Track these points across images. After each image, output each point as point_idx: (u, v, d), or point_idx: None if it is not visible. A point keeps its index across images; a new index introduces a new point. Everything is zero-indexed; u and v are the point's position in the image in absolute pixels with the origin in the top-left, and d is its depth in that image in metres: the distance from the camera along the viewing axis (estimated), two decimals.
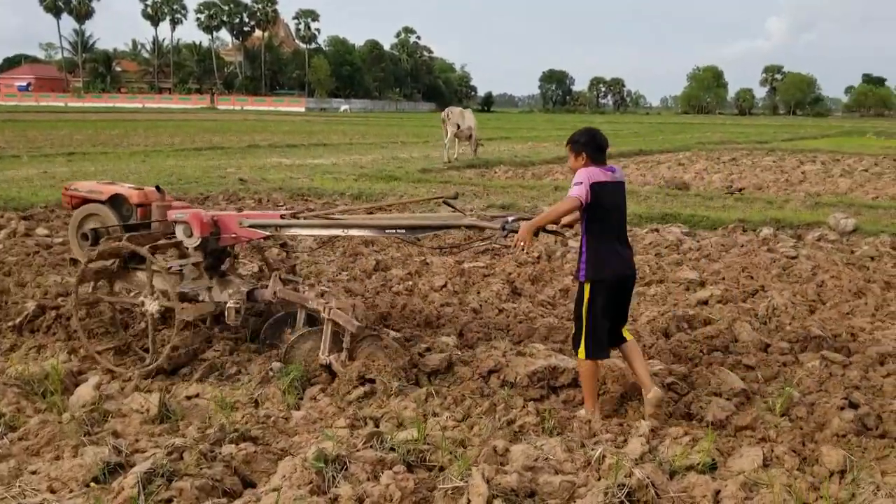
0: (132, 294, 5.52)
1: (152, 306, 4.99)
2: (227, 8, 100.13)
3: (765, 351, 5.43)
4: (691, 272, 7.56)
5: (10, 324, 5.68)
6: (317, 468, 3.33)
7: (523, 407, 4.25)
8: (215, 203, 12.33)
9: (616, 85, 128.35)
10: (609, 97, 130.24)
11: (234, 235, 5.29)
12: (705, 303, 6.68)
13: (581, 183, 4.09)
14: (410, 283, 7.13)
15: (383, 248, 8.79)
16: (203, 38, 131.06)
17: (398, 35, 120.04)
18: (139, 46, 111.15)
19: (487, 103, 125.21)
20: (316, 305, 4.94)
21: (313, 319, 5.10)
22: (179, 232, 5.22)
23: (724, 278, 7.54)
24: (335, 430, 3.93)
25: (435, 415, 4.25)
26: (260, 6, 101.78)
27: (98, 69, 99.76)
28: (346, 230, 5.18)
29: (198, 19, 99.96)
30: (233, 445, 3.65)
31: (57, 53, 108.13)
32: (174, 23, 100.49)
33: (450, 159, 19.84)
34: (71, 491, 3.30)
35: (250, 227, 5.25)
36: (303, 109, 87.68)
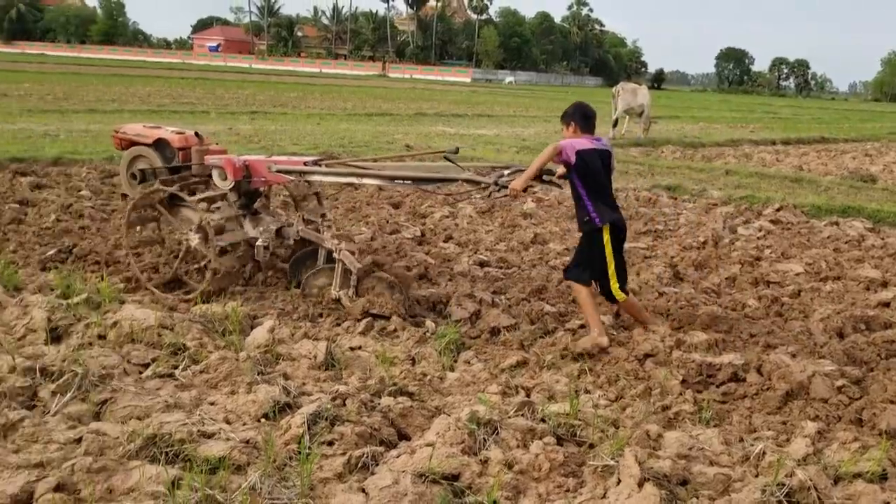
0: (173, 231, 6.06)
1: (193, 239, 5.62)
2: None
3: None
4: (873, 271, 7.01)
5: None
6: (469, 429, 3.41)
7: (680, 394, 4.14)
8: None
9: (800, 67, 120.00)
10: (791, 79, 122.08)
11: (263, 179, 5.84)
12: (887, 305, 6.19)
13: (573, 148, 4.65)
14: (568, 258, 7.06)
15: (541, 222, 8.76)
16: (379, 7, 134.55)
17: (570, 7, 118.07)
18: (320, 13, 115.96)
19: (658, 80, 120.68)
20: (330, 245, 5.49)
21: (333, 259, 5.53)
22: (215, 175, 5.82)
23: None
24: (488, 395, 3.99)
25: (587, 392, 4.23)
26: None
27: (281, 33, 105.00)
28: (360, 178, 5.72)
29: None
30: (391, 398, 3.80)
31: (245, 17, 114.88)
32: None
33: (615, 136, 19.37)
34: (244, 424, 3.56)
35: (278, 171, 5.74)
36: (469, 80, 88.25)
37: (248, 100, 28.71)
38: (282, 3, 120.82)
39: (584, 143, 4.72)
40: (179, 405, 3.73)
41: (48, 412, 3.63)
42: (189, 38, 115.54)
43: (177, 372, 4.12)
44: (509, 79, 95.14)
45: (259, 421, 3.64)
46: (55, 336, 4.64)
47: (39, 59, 64.35)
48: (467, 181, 5.23)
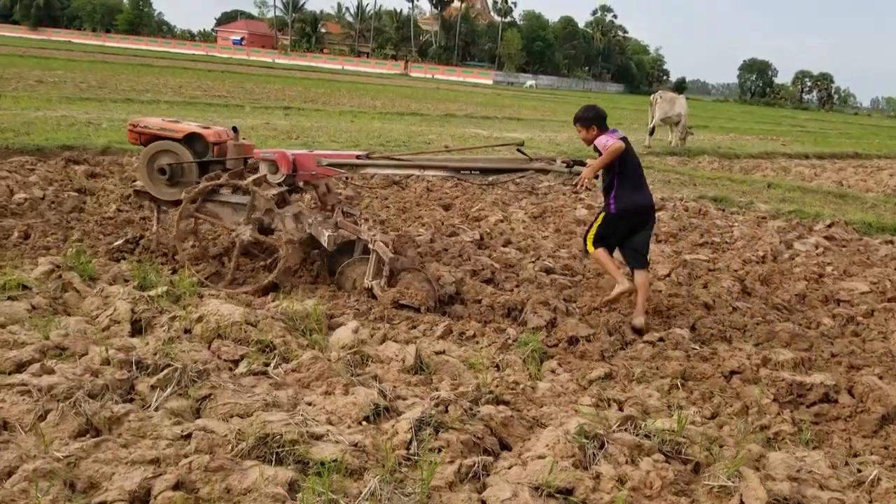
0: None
1: (246, 234, 5.69)
2: None
3: None
4: None
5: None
6: (580, 443, 3.36)
7: (778, 413, 4.08)
8: None
9: (823, 80, 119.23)
10: (814, 93, 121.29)
11: (312, 173, 5.88)
12: None
13: (611, 139, 5.22)
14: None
15: None
16: (403, 6, 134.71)
17: (594, 13, 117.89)
18: (343, 10, 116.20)
19: (680, 88, 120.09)
20: (366, 237, 5.66)
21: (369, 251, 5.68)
22: (264, 168, 5.77)
23: None
24: (584, 408, 3.95)
25: (680, 407, 4.17)
26: None
27: (305, 29, 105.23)
28: (422, 170, 5.84)
29: None
30: (491, 406, 3.76)
31: (269, 11, 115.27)
32: None
33: (650, 144, 19.27)
34: (348, 427, 3.53)
35: (328, 165, 5.80)
36: (490, 82, 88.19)
37: (277, 94, 28.74)
38: None
39: (616, 135, 5.35)
40: (277, 404, 3.70)
41: (147, 406, 3.61)
42: (213, 30, 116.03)
43: (270, 370, 4.09)
44: (530, 82, 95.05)
45: (361, 424, 3.61)
46: (138, 328, 4.63)
47: (66, 46, 64.78)
48: (539, 170, 5.60)
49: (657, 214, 9.95)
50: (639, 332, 5.30)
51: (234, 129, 6.31)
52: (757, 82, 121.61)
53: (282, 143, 13.73)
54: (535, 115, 32.04)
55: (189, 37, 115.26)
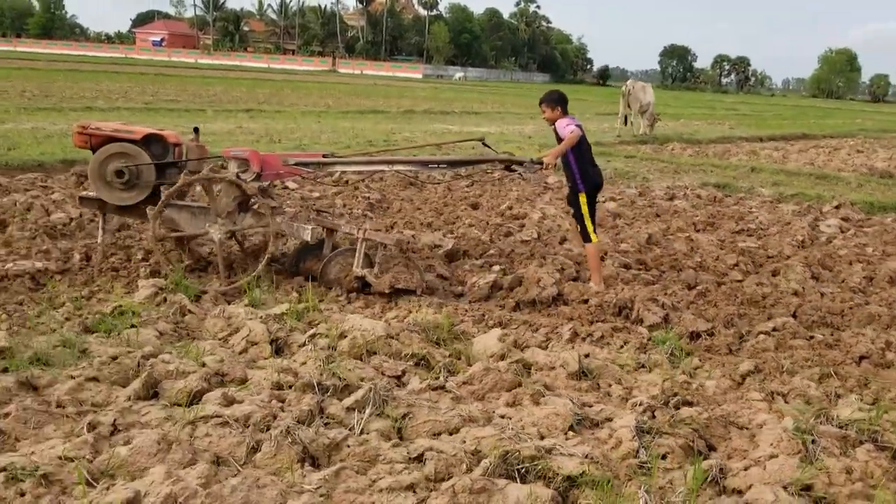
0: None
1: (217, 233, 5.69)
2: None
3: None
4: None
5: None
6: (802, 439, 3.42)
7: None
8: None
9: (741, 64, 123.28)
10: (732, 76, 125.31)
11: (276, 173, 5.91)
12: None
13: (572, 125, 5.78)
14: (689, 260, 7.11)
15: (632, 221, 8.79)
16: (327, 2, 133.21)
17: (518, 3, 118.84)
18: (266, 7, 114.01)
19: (603, 77, 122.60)
20: (349, 229, 5.78)
21: (335, 248, 5.90)
22: (233, 167, 5.75)
23: None
24: (784, 406, 4.01)
25: (838, 396, 4.27)
26: None
27: (228, 28, 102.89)
28: (391, 166, 6.04)
29: None
30: (688, 408, 3.79)
31: (187, 11, 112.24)
32: None
33: (621, 133, 19.61)
34: (566, 438, 3.49)
35: (296, 164, 5.84)
36: (420, 76, 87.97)
37: (223, 96, 28.02)
38: None
39: (575, 120, 5.91)
40: (473, 419, 3.65)
41: (351, 429, 3.49)
42: (131, 31, 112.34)
43: (447, 384, 4.01)
44: (459, 74, 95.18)
45: (566, 434, 3.58)
46: (276, 348, 4.49)
47: None
48: (503, 161, 6.09)
49: (678, 202, 10.18)
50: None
51: (196, 130, 6.17)
52: (678, 67, 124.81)
53: (269, 146, 13.44)
54: (488, 109, 32.16)
55: (106, 39, 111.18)
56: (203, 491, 2.77)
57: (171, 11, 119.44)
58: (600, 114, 33.83)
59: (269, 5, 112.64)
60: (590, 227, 5.98)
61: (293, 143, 14.02)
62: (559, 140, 5.86)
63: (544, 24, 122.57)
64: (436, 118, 24.54)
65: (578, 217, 6.02)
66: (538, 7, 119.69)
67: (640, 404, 3.73)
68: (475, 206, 9.39)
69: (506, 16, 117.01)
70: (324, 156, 6.16)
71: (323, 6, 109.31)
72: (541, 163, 5.82)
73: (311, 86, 42.49)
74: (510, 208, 9.16)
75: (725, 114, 40.32)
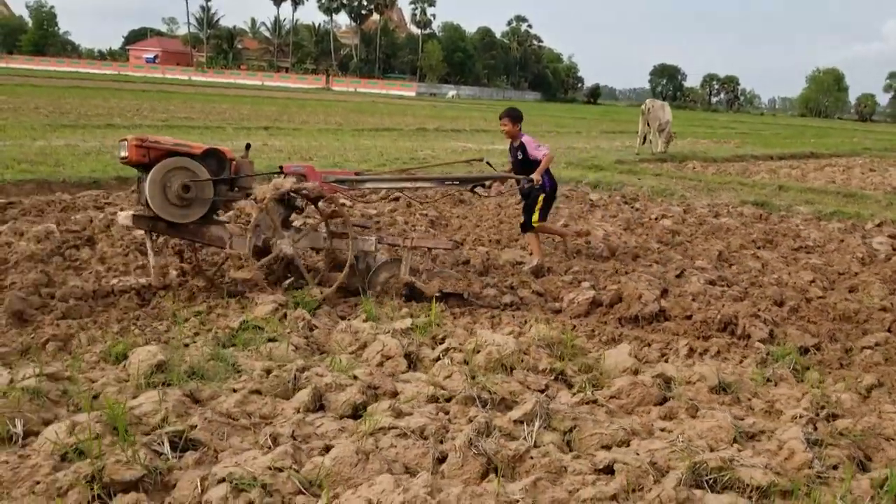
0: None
1: (288, 248, 5.76)
2: None
3: None
4: None
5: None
6: None
7: None
8: None
9: (730, 83, 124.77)
10: (722, 95, 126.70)
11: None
12: None
13: (541, 146, 7.11)
14: (762, 277, 7.22)
15: (692, 239, 8.90)
16: (319, 20, 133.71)
17: (509, 23, 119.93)
18: (258, 25, 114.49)
19: (594, 95, 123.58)
20: (394, 240, 6.12)
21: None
22: (288, 183, 5.74)
23: None
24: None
25: None
26: None
27: (221, 45, 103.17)
28: (414, 183, 6.67)
29: (319, 1, 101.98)
30: (844, 420, 3.88)
31: (179, 28, 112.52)
32: (295, 3, 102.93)
33: (639, 151, 19.83)
34: (738, 450, 3.57)
35: (333, 181, 6.09)
36: (413, 94, 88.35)
37: (232, 114, 28.07)
38: (222, 14, 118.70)
39: (535, 140, 7.17)
40: (635, 432, 3.72)
41: (518, 439, 3.56)
42: (125, 49, 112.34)
43: (600, 398, 4.09)
44: (452, 93, 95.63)
45: (731, 446, 3.66)
46: (409, 362, 4.56)
47: None
48: (503, 178, 7.11)
49: (724, 220, 10.33)
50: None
51: (247, 147, 6.21)
52: (668, 87, 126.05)
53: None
54: (493, 126, 32.34)
55: (99, 56, 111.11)
56: (433, 500, 2.83)
57: (164, 29, 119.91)
58: (605, 132, 34.25)
59: (263, 23, 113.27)
60: (535, 218, 7.14)
61: (328, 161, 14.12)
62: (519, 153, 7.09)
63: (535, 42, 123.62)
64: (449, 136, 24.73)
65: (529, 208, 7.20)
66: (530, 26, 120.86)
67: (801, 416, 3.81)
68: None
69: (498, 35, 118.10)
70: (356, 174, 6.49)
71: (316, 24, 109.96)
72: (531, 181, 6.79)
73: (313, 104, 42.63)
74: (566, 226, 9.27)
75: (724, 132, 40.76)
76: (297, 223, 6.67)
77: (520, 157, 7.12)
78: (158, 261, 5.91)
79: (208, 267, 6.36)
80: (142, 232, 7.10)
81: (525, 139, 7.04)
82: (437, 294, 5.73)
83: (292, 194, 5.75)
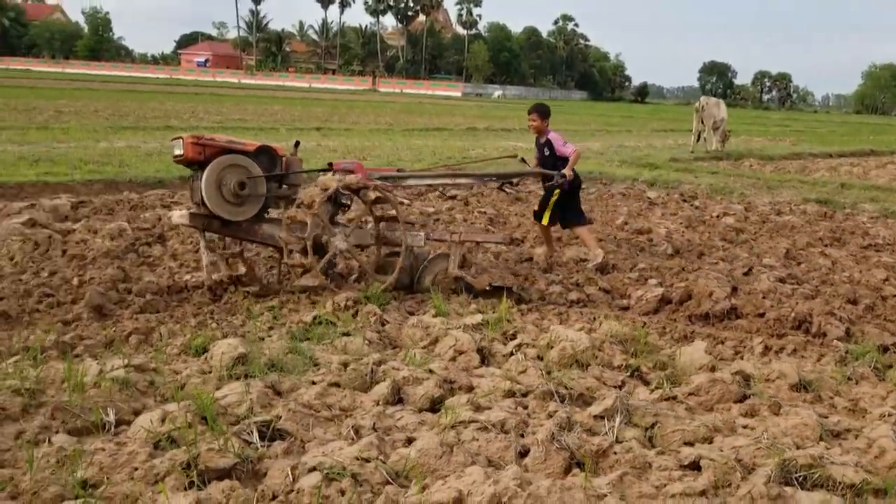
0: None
1: (342, 244, 5.76)
2: None
3: None
4: None
5: None
6: None
7: None
8: None
9: (782, 80, 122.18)
10: (773, 92, 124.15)
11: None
12: None
13: (569, 143, 7.10)
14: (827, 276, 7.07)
15: (756, 236, 8.74)
16: (366, 22, 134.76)
17: (556, 22, 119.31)
18: (305, 27, 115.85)
19: (642, 94, 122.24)
20: (440, 235, 6.16)
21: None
22: (335, 183, 5.71)
23: None
24: None
25: None
26: None
27: (270, 48, 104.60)
28: (454, 179, 7.04)
29: (366, 3, 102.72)
30: None
31: (229, 32, 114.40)
32: (343, 6, 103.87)
33: (694, 149, 19.56)
34: (826, 447, 3.51)
35: (378, 178, 6.14)
36: (459, 94, 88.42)
37: (284, 115, 28.44)
38: (270, 18, 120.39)
39: (562, 137, 7.16)
40: (718, 428, 3.67)
41: (599, 435, 3.54)
42: (177, 53, 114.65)
43: (679, 395, 4.04)
44: (498, 93, 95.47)
45: (818, 444, 3.59)
46: (482, 357, 4.57)
47: (25, 74, 63.36)
48: (538, 174, 7.18)
49: (787, 218, 10.14)
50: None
51: (297, 144, 6.20)
52: (717, 84, 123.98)
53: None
54: None
55: (152, 60, 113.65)
56: (523, 492, 2.83)
57: (214, 33, 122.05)
58: (655, 130, 33.86)
59: (311, 26, 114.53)
60: (547, 214, 7.14)
61: (382, 160, 14.22)
62: (546, 150, 7.08)
63: (582, 41, 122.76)
64: (499, 135, 24.69)
65: (545, 202, 7.18)
66: (576, 25, 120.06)
67: (890, 415, 3.72)
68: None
69: (544, 34, 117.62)
70: (398, 170, 6.73)
71: (363, 26, 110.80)
72: (564, 176, 6.87)
73: (361, 104, 42.99)
74: (626, 223, 9.19)
75: (778, 130, 39.98)
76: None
77: (546, 153, 7.10)
78: (212, 258, 5.93)
79: (265, 273, 6.41)
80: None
81: (552, 136, 7.04)
82: (487, 288, 5.80)
83: (340, 191, 5.78)
